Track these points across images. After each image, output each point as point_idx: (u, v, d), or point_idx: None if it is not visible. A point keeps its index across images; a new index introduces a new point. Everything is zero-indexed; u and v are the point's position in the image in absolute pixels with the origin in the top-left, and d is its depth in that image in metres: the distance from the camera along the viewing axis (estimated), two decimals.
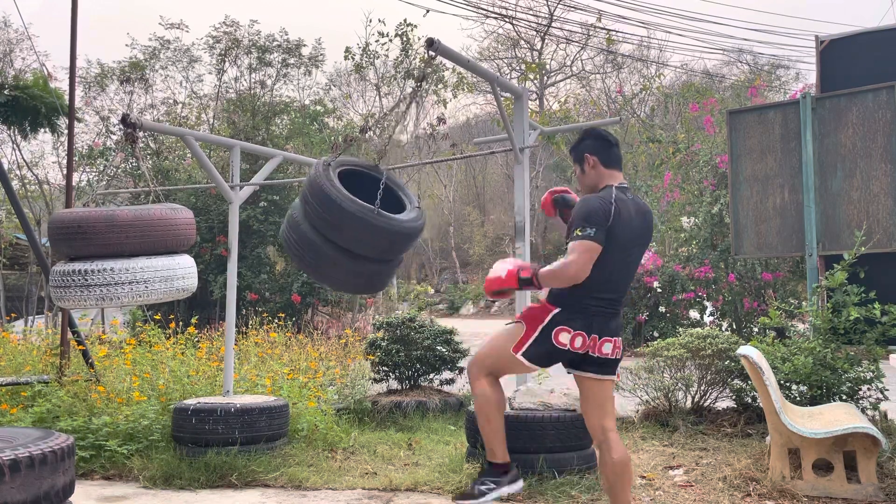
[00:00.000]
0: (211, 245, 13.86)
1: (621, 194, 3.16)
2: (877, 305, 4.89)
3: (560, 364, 3.27)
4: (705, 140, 12.06)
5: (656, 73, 23.14)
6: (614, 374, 3.22)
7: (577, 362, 3.19)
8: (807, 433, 4.08)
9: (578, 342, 3.11)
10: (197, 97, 16.72)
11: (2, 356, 7.12)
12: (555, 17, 25.26)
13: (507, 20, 25.95)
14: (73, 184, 6.99)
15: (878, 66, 5.54)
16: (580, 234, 3.01)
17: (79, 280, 4.14)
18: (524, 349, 3.16)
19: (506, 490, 3.18)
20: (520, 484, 3.25)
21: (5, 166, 9.18)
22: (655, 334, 12.59)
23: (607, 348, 3.14)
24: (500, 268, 3.22)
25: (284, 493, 4.43)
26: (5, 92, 10.32)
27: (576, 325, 3.10)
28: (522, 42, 29.06)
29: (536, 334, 3.14)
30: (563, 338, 3.11)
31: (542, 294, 3.26)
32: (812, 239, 5.52)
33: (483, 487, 3.17)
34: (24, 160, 15.85)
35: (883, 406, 5.12)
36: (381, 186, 4.13)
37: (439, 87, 15.80)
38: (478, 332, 17.99)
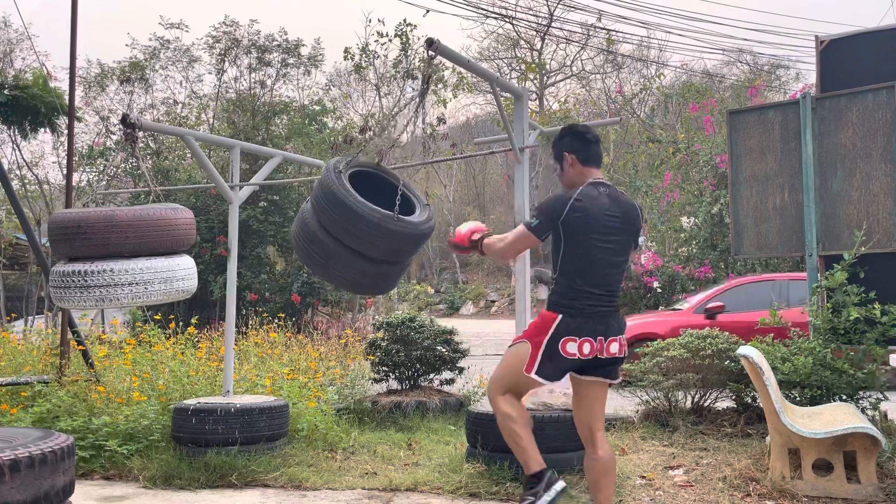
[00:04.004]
0: (211, 245, 13.85)
1: (591, 189, 3.18)
2: (877, 305, 4.89)
3: None
4: (705, 140, 12.06)
5: (656, 73, 23.12)
6: (618, 378, 3.27)
7: (586, 368, 3.19)
8: (807, 433, 4.08)
9: (587, 348, 3.09)
10: (197, 97, 16.71)
11: (2, 356, 7.12)
12: (555, 17, 25.23)
13: (506, 20, 25.93)
14: (73, 184, 6.99)
15: (878, 66, 5.53)
16: (526, 220, 3.13)
17: (78, 281, 4.13)
18: (536, 367, 3.11)
19: (547, 497, 3.04)
20: (559, 483, 3.10)
21: (5, 166, 9.17)
22: None
23: (614, 348, 3.15)
24: (464, 227, 3.56)
25: (284, 493, 4.43)
26: (5, 92, 10.30)
27: (581, 332, 3.09)
28: (522, 42, 29.05)
29: (543, 349, 3.10)
30: (571, 347, 3.09)
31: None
32: (812, 239, 5.51)
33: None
34: (24, 160, 15.84)
35: (883, 406, 5.12)
36: (399, 192, 4.18)
37: (439, 87, 15.80)
38: (478, 332, 18.01)
